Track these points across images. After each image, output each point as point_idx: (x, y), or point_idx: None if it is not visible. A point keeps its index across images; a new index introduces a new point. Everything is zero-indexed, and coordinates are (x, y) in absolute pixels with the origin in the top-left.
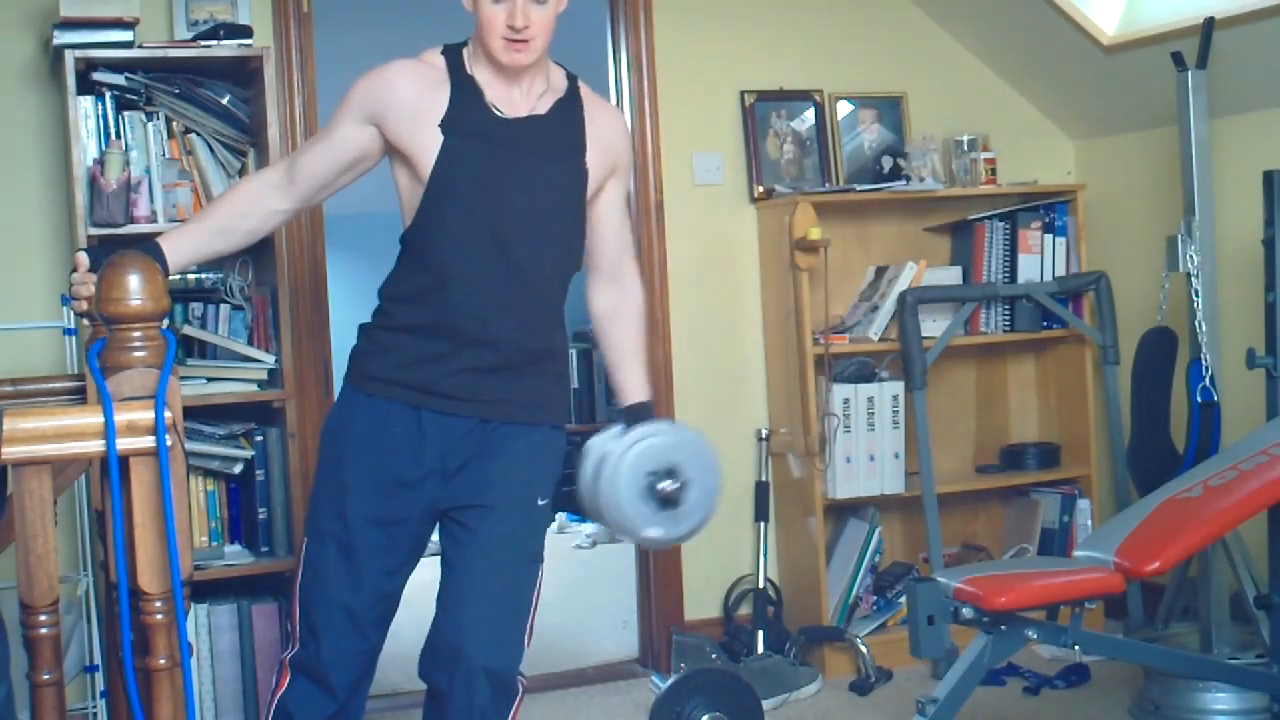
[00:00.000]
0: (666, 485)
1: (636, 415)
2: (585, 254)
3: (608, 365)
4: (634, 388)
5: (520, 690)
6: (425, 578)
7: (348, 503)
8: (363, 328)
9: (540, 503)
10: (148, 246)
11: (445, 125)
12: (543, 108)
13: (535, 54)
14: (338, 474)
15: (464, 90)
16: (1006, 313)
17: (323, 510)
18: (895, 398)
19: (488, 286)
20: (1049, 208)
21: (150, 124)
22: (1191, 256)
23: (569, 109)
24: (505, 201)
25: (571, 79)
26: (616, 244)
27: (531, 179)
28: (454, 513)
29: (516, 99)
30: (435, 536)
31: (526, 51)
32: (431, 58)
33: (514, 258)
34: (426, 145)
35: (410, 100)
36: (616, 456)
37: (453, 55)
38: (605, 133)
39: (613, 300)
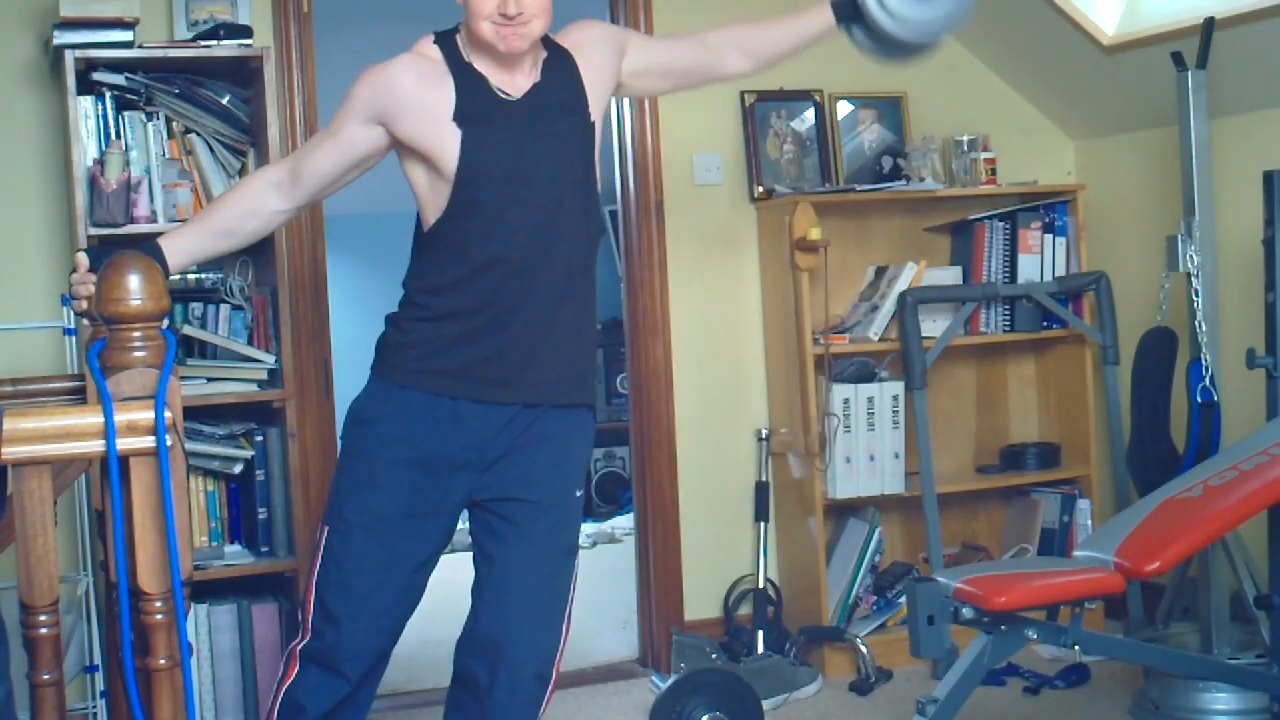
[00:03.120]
0: None
1: None
2: (697, 71)
3: (785, 38)
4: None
5: (555, 678)
6: (434, 576)
7: (379, 494)
8: (391, 319)
9: (577, 494)
10: (148, 247)
11: (459, 118)
12: (538, 75)
13: (533, 37)
14: (366, 464)
15: (467, 79)
16: (1006, 313)
17: (348, 500)
18: (895, 398)
19: (527, 265)
20: (1049, 208)
21: (150, 124)
22: (1191, 256)
23: (558, 63)
24: (533, 177)
25: (545, 36)
26: (693, 43)
27: (550, 148)
28: (491, 504)
29: (519, 80)
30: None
31: (524, 36)
32: (426, 49)
33: (549, 231)
34: (446, 142)
35: (417, 98)
36: None
37: (447, 43)
38: (591, 53)
39: (730, 39)
